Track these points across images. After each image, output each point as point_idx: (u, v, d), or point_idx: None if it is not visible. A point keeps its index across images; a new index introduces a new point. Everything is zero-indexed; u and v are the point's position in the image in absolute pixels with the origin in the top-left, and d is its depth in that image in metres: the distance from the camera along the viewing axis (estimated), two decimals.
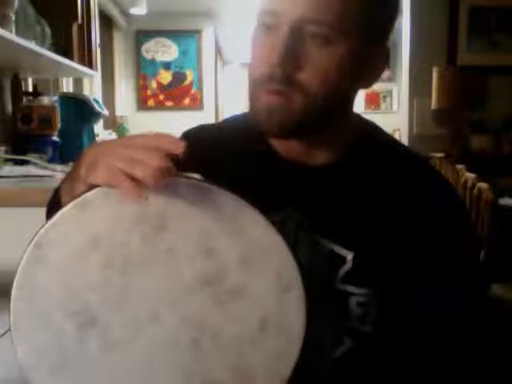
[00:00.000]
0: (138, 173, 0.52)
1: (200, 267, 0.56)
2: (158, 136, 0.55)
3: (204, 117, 5.03)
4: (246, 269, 0.57)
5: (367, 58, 0.69)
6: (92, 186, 0.56)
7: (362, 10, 0.66)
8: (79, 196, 0.56)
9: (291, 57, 0.65)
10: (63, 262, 0.56)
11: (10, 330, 0.56)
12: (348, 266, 0.70)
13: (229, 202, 0.57)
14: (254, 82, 0.69)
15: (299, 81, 0.65)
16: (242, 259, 0.57)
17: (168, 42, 5.19)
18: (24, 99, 2.05)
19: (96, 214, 0.55)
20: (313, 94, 0.66)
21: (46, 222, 0.56)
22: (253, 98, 0.69)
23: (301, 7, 0.64)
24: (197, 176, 0.58)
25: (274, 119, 0.67)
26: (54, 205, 0.72)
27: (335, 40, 0.65)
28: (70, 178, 0.64)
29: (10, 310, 0.56)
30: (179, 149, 0.53)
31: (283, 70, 0.65)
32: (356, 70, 0.68)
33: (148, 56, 5.20)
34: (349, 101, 0.74)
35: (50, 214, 0.73)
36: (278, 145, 0.76)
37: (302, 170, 0.74)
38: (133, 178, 0.52)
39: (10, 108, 2.03)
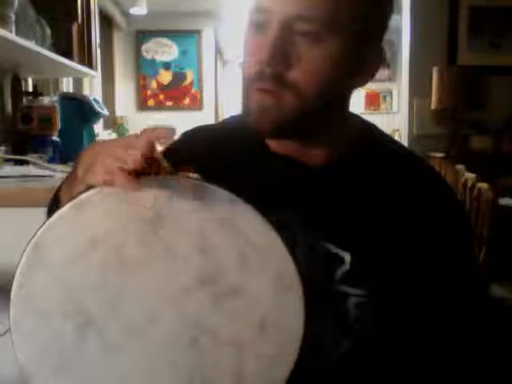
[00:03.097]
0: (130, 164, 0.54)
1: (198, 267, 0.56)
2: (149, 129, 0.56)
3: (204, 117, 5.03)
4: (244, 268, 0.57)
5: (361, 56, 0.68)
6: (90, 187, 0.56)
7: (354, 8, 0.65)
8: (77, 197, 0.56)
9: (281, 55, 0.64)
10: (61, 263, 0.56)
11: (10, 329, 0.56)
12: (346, 266, 0.70)
13: (227, 201, 0.57)
14: (246, 80, 0.69)
15: (290, 79, 0.65)
16: (240, 259, 0.57)
17: (168, 41, 5.19)
18: (24, 99, 2.05)
19: (94, 214, 0.56)
20: (304, 92, 0.65)
21: (44, 223, 0.56)
22: (245, 97, 0.69)
23: (291, 4, 0.64)
24: (195, 176, 0.58)
25: (266, 118, 0.67)
26: (54, 206, 0.72)
27: (326, 38, 0.64)
28: (68, 179, 0.64)
29: (9, 311, 0.56)
30: (162, 134, 0.54)
31: (273, 69, 0.64)
32: (349, 69, 0.68)
33: (148, 56, 5.20)
34: (344, 100, 0.73)
35: (50, 215, 0.73)
36: (275, 145, 0.75)
37: (300, 170, 0.74)
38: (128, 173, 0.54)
39: (9, 108, 2.03)
